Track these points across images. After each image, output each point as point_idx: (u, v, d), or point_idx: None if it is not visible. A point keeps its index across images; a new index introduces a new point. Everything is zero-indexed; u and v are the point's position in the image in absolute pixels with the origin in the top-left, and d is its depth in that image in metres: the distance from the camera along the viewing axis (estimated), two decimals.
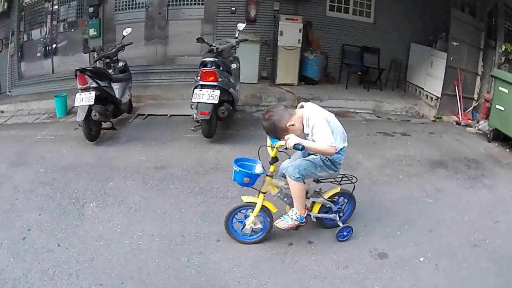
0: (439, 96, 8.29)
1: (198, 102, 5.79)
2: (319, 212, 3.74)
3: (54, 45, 11.42)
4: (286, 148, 3.22)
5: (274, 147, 3.29)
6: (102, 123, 6.60)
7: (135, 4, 10.15)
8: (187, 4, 9.84)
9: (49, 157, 6.38)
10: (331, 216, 3.72)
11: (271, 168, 3.50)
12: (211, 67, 5.96)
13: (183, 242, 3.90)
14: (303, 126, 3.32)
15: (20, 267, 3.88)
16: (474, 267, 3.34)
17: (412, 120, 7.61)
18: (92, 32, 10.20)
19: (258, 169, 3.52)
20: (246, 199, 3.61)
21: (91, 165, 5.63)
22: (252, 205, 3.54)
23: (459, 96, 7.95)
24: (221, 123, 6.23)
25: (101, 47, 8.36)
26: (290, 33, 9.06)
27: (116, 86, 6.99)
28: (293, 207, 3.53)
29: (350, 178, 3.68)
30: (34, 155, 6.56)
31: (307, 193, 3.61)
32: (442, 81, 8.20)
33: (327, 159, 3.38)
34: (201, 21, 9.87)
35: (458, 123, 7.67)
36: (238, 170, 3.33)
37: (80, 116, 6.12)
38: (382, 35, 9.90)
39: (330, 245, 3.76)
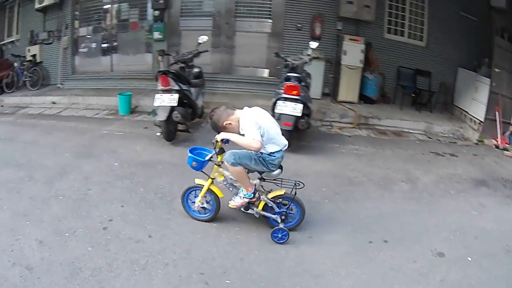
0: (482, 120, 9.07)
1: (281, 114, 6.62)
2: (263, 210, 4.43)
3: (114, 43, 12.70)
4: (217, 142, 4.24)
5: (216, 141, 4.17)
6: (179, 125, 7.45)
7: (202, 12, 11.41)
8: (255, 17, 10.90)
9: (121, 152, 7.33)
10: (273, 216, 4.38)
11: (218, 158, 4.40)
12: (294, 82, 6.82)
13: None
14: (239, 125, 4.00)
15: (101, 256, 4.36)
16: (506, 268, 4.35)
17: (458, 142, 8.61)
18: (156, 35, 11.44)
19: (207, 157, 4.41)
20: (197, 181, 4.58)
21: (171, 164, 6.28)
22: (201, 187, 4.50)
23: (499, 121, 8.79)
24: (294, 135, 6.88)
25: (177, 51, 9.27)
26: (353, 53, 10.05)
27: (191, 91, 7.77)
28: (236, 195, 4.40)
29: (297, 184, 4.39)
30: (104, 149, 7.61)
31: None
32: (485, 106, 9.02)
33: (258, 154, 4.12)
34: (268, 35, 10.87)
35: (497, 147, 8.58)
36: (188, 155, 4.39)
37: (162, 116, 6.87)
38: (433, 58, 10.99)
39: (402, 243, 4.62)
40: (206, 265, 4.20)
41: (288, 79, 7.02)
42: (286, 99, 6.74)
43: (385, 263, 4.27)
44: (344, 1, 10.01)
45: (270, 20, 10.71)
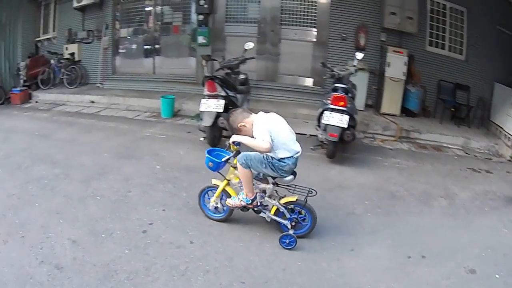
0: None
1: (327, 124, 6.58)
2: (275, 215, 4.46)
3: (156, 46, 12.84)
4: (230, 144, 4.40)
5: (229, 143, 4.34)
6: (223, 131, 7.33)
7: (247, 18, 11.26)
8: (300, 25, 10.77)
9: (163, 155, 7.29)
10: (284, 222, 4.38)
11: (234, 161, 4.44)
12: (341, 93, 6.75)
13: (322, 249, 4.54)
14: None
15: (139, 260, 4.31)
16: None
17: (493, 158, 8.39)
18: (200, 39, 11.49)
19: (224, 159, 4.52)
20: (214, 181, 4.75)
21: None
22: (217, 187, 4.65)
23: None
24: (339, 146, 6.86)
25: (223, 57, 9.07)
26: (396, 65, 9.90)
27: (237, 97, 7.72)
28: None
29: (309, 191, 4.40)
30: (145, 151, 7.59)
31: (265, 191, 4.46)
32: None
33: (269, 159, 4.18)
34: (313, 44, 10.75)
35: None
36: (206, 156, 4.52)
37: (207, 122, 6.85)
38: (472, 73, 10.74)
39: (438, 259, 4.60)
40: (248, 274, 4.15)
41: (335, 89, 7.03)
42: (332, 109, 6.69)
43: (422, 279, 4.27)
44: (387, 12, 9.98)
45: (315, 29, 10.66)
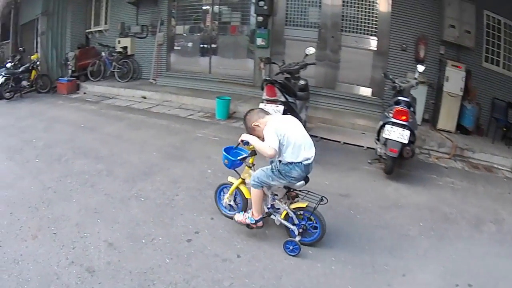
0: None
1: (387, 139, 6.41)
2: (284, 219, 4.45)
3: (213, 45, 12.90)
4: (241, 143, 4.48)
5: (239, 142, 4.46)
6: None
7: (308, 23, 11.08)
8: (361, 33, 10.52)
9: (216, 158, 6.80)
10: (292, 227, 4.38)
11: (250, 160, 4.61)
12: (404, 107, 6.60)
13: (373, 272, 4.29)
14: None
15: (180, 271, 4.09)
16: None
17: None
18: (259, 41, 11.41)
19: (240, 157, 4.62)
20: (229, 179, 4.86)
21: None
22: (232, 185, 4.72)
23: None
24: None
25: (283, 61, 8.60)
26: (454, 80, 9.53)
27: (296, 103, 7.45)
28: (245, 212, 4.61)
29: (321, 198, 4.38)
30: (197, 153, 7.43)
31: (277, 195, 4.54)
32: None
33: (275, 169, 4.22)
34: (373, 53, 10.47)
35: None
36: (223, 153, 4.64)
37: None
38: None
39: None
40: None
41: (397, 102, 6.89)
42: (394, 124, 6.51)
43: None
44: (447, 25, 9.66)
45: (375, 38, 10.42)
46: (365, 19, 10.37)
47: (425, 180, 6.77)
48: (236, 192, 4.84)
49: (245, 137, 4.32)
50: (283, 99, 6.78)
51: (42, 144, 7.76)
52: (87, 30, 15.62)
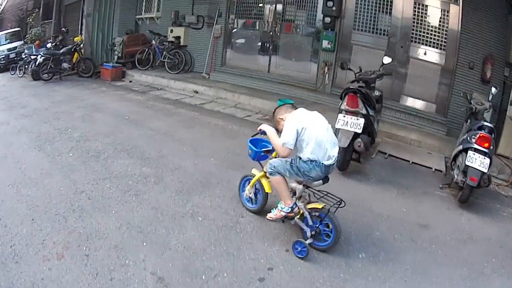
0: None
1: (469, 166, 5.98)
2: (300, 219, 4.29)
3: (274, 43, 12.27)
4: (259, 132, 4.44)
5: (258, 131, 4.45)
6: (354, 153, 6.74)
7: (377, 29, 10.38)
8: (430, 45, 9.82)
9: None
10: (305, 228, 4.21)
11: (274, 154, 4.50)
12: (487, 133, 6.24)
13: None
14: None
15: None
16: None
17: None
18: (325, 44, 10.73)
19: (264, 149, 4.60)
20: (253, 171, 4.81)
21: (347, 201, 5.06)
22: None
23: None
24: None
25: (360, 68, 7.90)
26: None
27: (374, 116, 7.17)
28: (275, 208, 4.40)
29: (339, 201, 4.18)
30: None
31: (295, 192, 4.33)
32: None
33: (294, 165, 4.10)
34: (441, 68, 9.81)
35: None
36: (248, 144, 4.61)
37: (343, 142, 6.17)
38: None
39: None
40: None
41: (481, 127, 6.45)
42: (476, 150, 6.08)
43: None
44: None
45: (444, 52, 9.74)
46: (434, 32, 9.77)
47: (491, 210, 6.24)
48: (256, 184, 4.74)
49: (264, 127, 4.29)
50: (364, 111, 6.33)
51: (78, 135, 7.29)
52: (137, 16, 15.56)
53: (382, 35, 10.28)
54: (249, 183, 4.87)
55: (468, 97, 7.33)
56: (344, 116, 6.31)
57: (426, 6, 9.56)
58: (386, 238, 4.78)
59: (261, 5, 12.47)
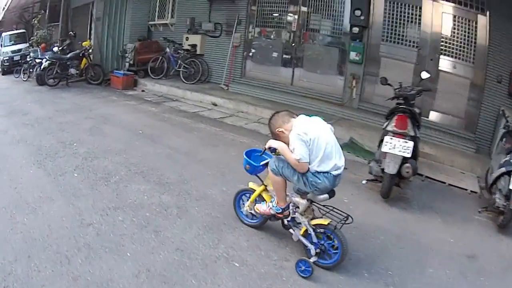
0: None
1: None
2: (303, 236, 4.09)
3: (297, 54, 11.71)
4: (266, 149, 4.14)
5: (264, 148, 4.13)
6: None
7: (406, 40, 9.92)
8: (458, 58, 9.42)
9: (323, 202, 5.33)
10: (309, 245, 4.01)
11: None
12: None
13: None
14: None
15: None
16: None
17: None
18: (353, 56, 10.21)
19: (263, 162, 4.29)
20: (251, 185, 4.56)
21: (391, 232, 5.14)
22: (253, 192, 4.48)
23: None
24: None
25: (400, 83, 7.34)
26: None
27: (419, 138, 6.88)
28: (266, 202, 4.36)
29: (346, 217, 3.99)
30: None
31: (298, 207, 4.11)
32: None
33: (302, 174, 3.88)
34: (470, 83, 9.41)
35: None
36: (244, 157, 4.39)
37: (391, 169, 5.82)
38: None
39: None
40: None
41: None
42: None
43: None
44: None
45: (472, 65, 9.35)
46: (463, 44, 9.41)
47: None
48: (257, 199, 4.44)
49: (273, 143, 3.95)
50: (412, 133, 5.96)
51: (84, 151, 6.61)
52: (150, 22, 15.15)
53: (411, 47, 9.88)
54: (246, 197, 4.66)
55: (506, 114, 7.14)
56: (391, 139, 5.92)
57: (454, 16, 9.24)
58: (439, 275, 4.43)
59: (283, 12, 11.90)
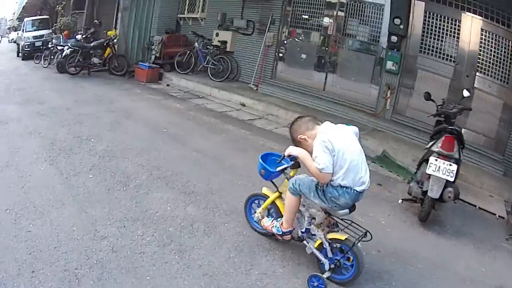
0: None
1: None
2: (318, 249, 3.90)
3: (333, 59, 11.41)
4: (287, 157, 3.88)
5: (283, 155, 3.91)
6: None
7: (443, 54, 9.60)
8: (494, 77, 9.11)
9: (361, 222, 4.62)
10: (323, 260, 3.82)
11: (291, 173, 4.02)
12: None
13: None
14: None
15: None
16: None
17: None
18: (390, 65, 9.86)
19: (279, 168, 4.04)
20: (264, 190, 4.35)
21: (428, 260, 4.73)
22: (266, 198, 4.27)
23: None
24: None
25: (443, 100, 7.19)
26: None
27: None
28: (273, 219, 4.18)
29: (365, 233, 3.76)
30: None
31: (314, 218, 3.93)
32: None
33: (319, 186, 3.68)
34: (503, 104, 9.15)
35: None
36: (259, 161, 4.16)
37: (435, 192, 5.60)
38: None
39: None
40: None
41: None
42: None
43: None
44: None
45: (507, 85, 9.06)
46: (499, 63, 9.06)
47: None
48: (271, 206, 4.23)
49: (294, 151, 3.67)
50: (457, 155, 5.80)
51: (102, 148, 6.08)
52: (179, 15, 14.88)
53: (449, 61, 9.61)
54: (258, 203, 4.45)
55: None
56: (436, 160, 5.71)
57: (492, 33, 8.95)
58: None
59: (319, 15, 11.56)
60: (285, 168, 4.04)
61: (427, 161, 5.83)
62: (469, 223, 6.16)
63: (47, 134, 6.39)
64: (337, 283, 3.76)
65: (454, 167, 5.63)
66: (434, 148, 5.85)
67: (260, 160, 4.17)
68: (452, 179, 5.61)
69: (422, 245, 5.23)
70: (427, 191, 5.72)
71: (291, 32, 12.20)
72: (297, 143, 3.79)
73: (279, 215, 4.16)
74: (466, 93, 7.06)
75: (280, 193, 4.19)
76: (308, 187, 3.75)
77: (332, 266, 3.81)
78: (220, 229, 4.34)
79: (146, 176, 5.34)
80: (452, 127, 6.03)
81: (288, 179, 4.05)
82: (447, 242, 5.40)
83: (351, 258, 3.82)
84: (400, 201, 6.30)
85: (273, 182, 4.22)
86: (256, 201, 4.49)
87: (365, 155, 7.83)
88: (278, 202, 4.21)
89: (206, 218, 4.54)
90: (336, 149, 3.47)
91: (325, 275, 3.74)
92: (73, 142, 6.20)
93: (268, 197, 4.25)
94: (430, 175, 5.72)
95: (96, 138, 6.51)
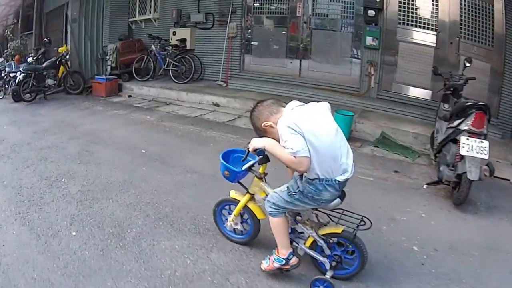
0: None
1: None
2: (311, 248, 3.47)
3: (305, 42, 10.75)
4: (248, 150, 3.34)
5: (247, 149, 3.36)
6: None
7: (424, 23, 9.26)
8: (478, 42, 8.89)
9: (402, 220, 4.67)
10: (322, 259, 3.44)
11: (260, 169, 3.54)
12: None
13: None
14: None
15: None
16: None
17: None
18: (369, 41, 9.45)
19: (245, 166, 3.49)
20: (232, 194, 3.86)
21: (481, 245, 4.36)
22: (237, 202, 3.76)
23: None
24: None
25: (450, 72, 6.98)
26: None
27: None
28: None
29: (361, 221, 3.31)
30: (365, 207, 4.46)
31: (299, 215, 3.47)
32: None
33: (294, 190, 3.15)
34: (490, 67, 8.87)
35: None
36: (220, 161, 3.68)
37: (474, 174, 5.12)
38: None
39: None
40: None
41: None
42: None
43: None
44: None
45: (492, 49, 8.82)
46: (481, 28, 8.81)
47: None
48: (243, 211, 3.68)
49: (258, 143, 3.06)
50: (486, 131, 5.47)
51: (77, 190, 4.85)
52: (131, 19, 14.10)
53: (430, 30, 9.28)
54: (229, 209, 3.88)
55: None
56: (468, 139, 5.35)
57: None
58: None
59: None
60: (252, 165, 3.49)
61: (454, 141, 5.56)
62: (493, 195, 5.82)
63: (11, 181, 5.17)
64: (341, 279, 3.38)
65: (486, 143, 5.32)
66: (463, 127, 5.50)
67: (222, 160, 3.62)
68: (486, 157, 5.24)
69: (467, 230, 4.88)
70: (461, 173, 5.31)
71: (257, 19, 11.56)
72: (261, 132, 3.22)
73: (255, 220, 3.67)
74: (467, 63, 6.82)
75: (252, 194, 3.63)
76: (283, 199, 3.21)
77: (333, 263, 3.42)
78: (262, 278, 3.41)
79: (142, 220, 4.19)
80: (482, 103, 5.69)
81: (257, 177, 3.55)
82: (486, 222, 5.08)
83: (353, 251, 3.42)
84: (425, 186, 5.86)
85: (241, 183, 3.67)
86: (227, 207, 3.93)
87: (365, 140, 7.20)
88: (251, 205, 3.67)
89: (240, 264, 3.59)
90: (304, 133, 2.86)
91: (328, 275, 3.33)
92: (42, 187, 4.98)
93: (239, 201, 3.69)
94: (464, 156, 5.35)
95: (67, 177, 5.32)
